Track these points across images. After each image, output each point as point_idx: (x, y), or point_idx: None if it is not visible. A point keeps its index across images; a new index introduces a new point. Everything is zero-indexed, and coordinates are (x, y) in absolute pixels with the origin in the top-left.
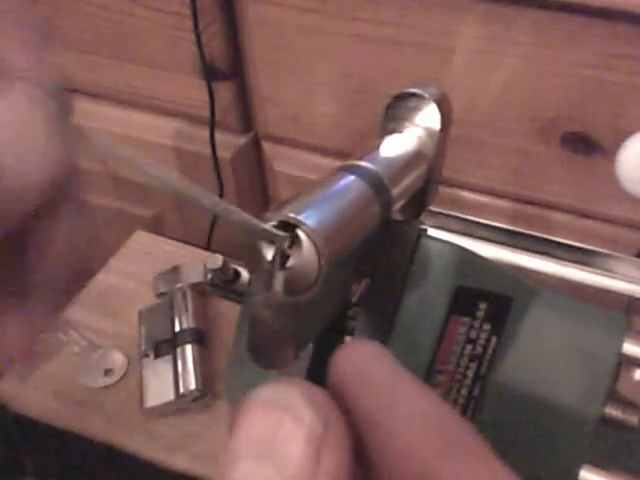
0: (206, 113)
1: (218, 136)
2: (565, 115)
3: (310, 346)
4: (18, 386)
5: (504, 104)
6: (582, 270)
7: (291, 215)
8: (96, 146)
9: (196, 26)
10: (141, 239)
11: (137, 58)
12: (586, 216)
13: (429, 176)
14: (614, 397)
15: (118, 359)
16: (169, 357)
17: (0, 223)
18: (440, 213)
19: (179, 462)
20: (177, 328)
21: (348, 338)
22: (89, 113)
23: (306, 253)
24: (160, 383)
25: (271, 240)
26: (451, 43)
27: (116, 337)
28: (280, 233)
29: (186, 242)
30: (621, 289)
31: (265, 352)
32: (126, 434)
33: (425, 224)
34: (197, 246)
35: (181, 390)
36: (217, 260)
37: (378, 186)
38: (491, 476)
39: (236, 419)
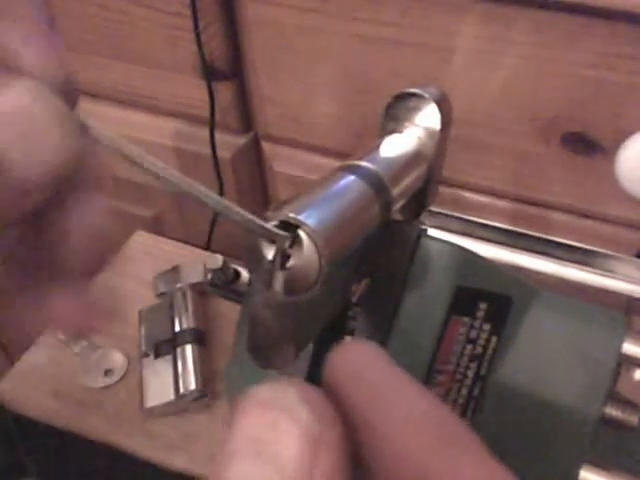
0: (206, 113)
1: (218, 136)
2: (565, 115)
3: (310, 346)
4: (18, 386)
5: (504, 104)
6: (582, 270)
7: (291, 215)
8: (100, 140)
9: (196, 26)
10: (141, 239)
11: (137, 58)
12: (586, 216)
13: (429, 176)
14: (614, 397)
15: (118, 359)
16: (169, 357)
17: (11, 214)
18: (440, 213)
19: (179, 462)
20: (177, 328)
21: (348, 338)
22: (89, 113)
23: (306, 253)
24: (160, 383)
25: (272, 240)
26: (451, 43)
27: (116, 337)
28: (281, 232)
29: (186, 242)
30: (621, 289)
31: (265, 352)
32: (126, 434)
33: (425, 224)
34: (197, 246)
35: (181, 390)
36: (217, 260)
37: (378, 186)
38: (490, 478)
39: (232, 418)
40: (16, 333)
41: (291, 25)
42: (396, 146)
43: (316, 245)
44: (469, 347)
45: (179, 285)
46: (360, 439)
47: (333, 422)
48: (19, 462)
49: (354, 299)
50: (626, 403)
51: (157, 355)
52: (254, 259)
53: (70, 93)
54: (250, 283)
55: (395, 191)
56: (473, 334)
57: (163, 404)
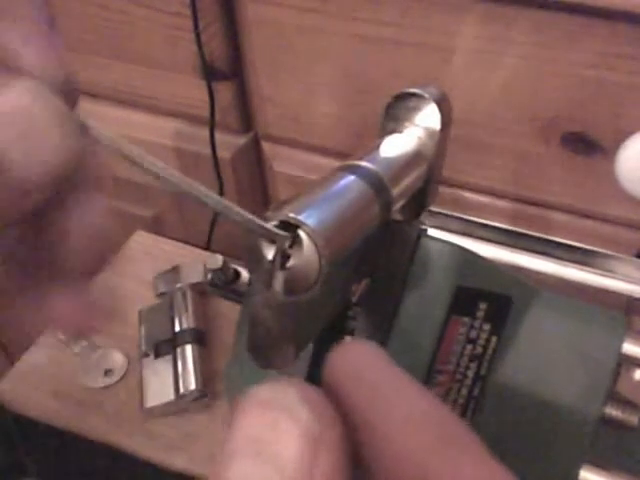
0: (206, 113)
1: (218, 136)
2: (565, 115)
3: (310, 346)
4: (18, 386)
5: (504, 104)
6: (582, 270)
7: (291, 215)
8: (100, 140)
9: (196, 26)
10: (141, 239)
11: (137, 58)
12: (586, 216)
13: (429, 176)
14: (614, 397)
15: (118, 359)
16: (169, 357)
17: (11, 214)
18: (440, 213)
19: (179, 462)
20: (177, 328)
21: (348, 338)
22: (89, 113)
23: (306, 253)
24: (160, 383)
25: (271, 240)
26: (451, 43)
27: (116, 337)
28: (280, 232)
29: (186, 242)
30: (621, 289)
31: (265, 352)
32: (126, 434)
33: (425, 224)
34: (197, 246)
35: (181, 390)
36: (217, 260)
37: (378, 186)
38: (490, 478)
39: (232, 418)
40: (16, 333)
41: (291, 25)
42: (396, 146)
43: (316, 245)
44: (469, 347)
45: (179, 285)
46: (360, 439)
47: (333, 422)
48: (19, 462)
49: (354, 299)
50: (626, 403)
51: (157, 355)
52: (254, 259)
53: (70, 93)
54: (250, 283)
55: (395, 191)
56: (473, 334)
57: (163, 404)
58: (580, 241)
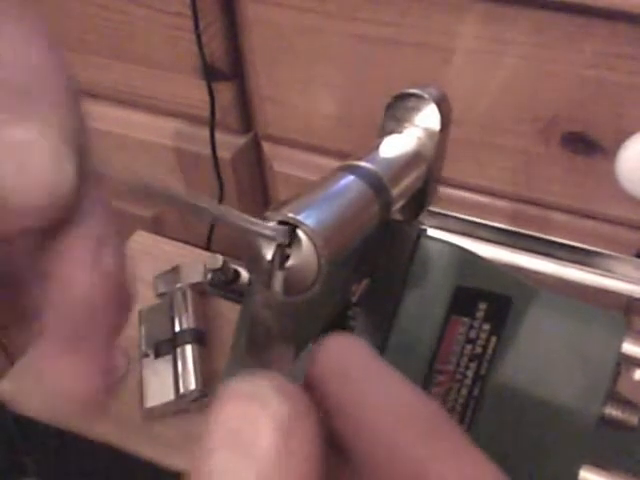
0: (206, 113)
1: (218, 136)
2: (565, 115)
3: (310, 346)
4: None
5: (504, 104)
6: (582, 270)
7: (290, 215)
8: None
9: (196, 26)
10: (141, 239)
11: (137, 58)
12: (586, 216)
13: (428, 176)
14: (614, 397)
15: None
16: (169, 357)
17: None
18: (440, 213)
19: (179, 462)
20: (177, 328)
21: None
22: (89, 113)
23: (305, 253)
24: (160, 383)
25: (269, 237)
26: (451, 43)
27: None
28: (277, 227)
29: (186, 242)
30: (621, 289)
31: (265, 352)
32: (126, 434)
33: (425, 224)
34: (197, 246)
35: (181, 390)
36: (217, 260)
37: (378, 186)
38: (474, 470)
39: (211, 412)
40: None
41: (291, 25)
42: (396, 146)
43: (315, 245)
44: (469, 347)
45: (179, 285)
46: (348, 434)
47: (307, 413)
48: (19, 462)
49: (354, 299)
50: (626, 403)
51: (157, 355)
52: (253, 259)
53: (78, 119)
54: (250, 283)
55: (395, 191)
56: (473, 334)
57: (163, 404)
58: (580, 241)
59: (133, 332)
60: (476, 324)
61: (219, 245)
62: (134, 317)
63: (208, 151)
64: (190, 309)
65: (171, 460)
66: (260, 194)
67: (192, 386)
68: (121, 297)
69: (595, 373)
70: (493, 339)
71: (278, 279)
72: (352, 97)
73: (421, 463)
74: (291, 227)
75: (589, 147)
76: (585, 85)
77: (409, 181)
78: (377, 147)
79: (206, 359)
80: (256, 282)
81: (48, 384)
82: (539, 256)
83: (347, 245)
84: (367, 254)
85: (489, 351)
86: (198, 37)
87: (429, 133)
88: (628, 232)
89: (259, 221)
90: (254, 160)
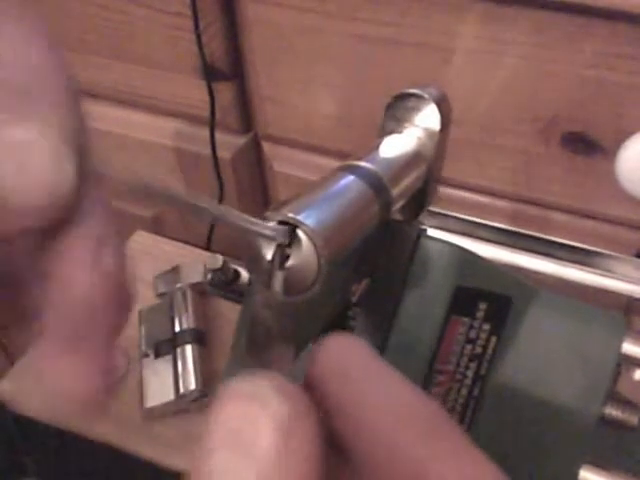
0: (206, 113)
1: (218, 136)
2: (565, 115)
3: (310, 346)
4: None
5: (504, 104)
6: (582, 270)
7: (290, 215)
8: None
9: (196, 26)
10: (141, 239)
11: (137, 58)
12: (586, 216)
13: (428, 176)
14: (614, 397)
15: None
16: (169, 357)
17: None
18: (440, 213)
19: (179, 462)
20: (177, 328)
21: None
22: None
23: (305, 253)
24: (160, 383)
25: (269, 237)
26: (451, 43)
27: None
28: (277, 227)
29: (186, 242)
30: (621, 289)
31: (265, 352)
32: (126, 434)
33: (425, 224)
34: (197, 246)
35: (181, 390)
36: (217, 260)
37: (378, 186)
38: (474, 470)
39: (211, 412)
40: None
41: (291, 25)
42: (396, 146)
43: (315, 245)
44: (469, 347)
45: (179, 285)
46: (348, 435)
47: (307, 412)
48: (19, 462)
49: (354, 299)
50: (626, 403)
51: (157, 355)
52: (253, 259)
53: (81, 137)
54: (250, 283)
55: (395, 191)
56: (473, 334)
57: (163, 404)
58: (580, 241)
59: (133, 332)
60: (476, 324)
61: (219, 245)
62: (134, 317)
63: (208, 151)
64: (190, 309)
65: (171, 460)
66: (260, 194)
67: (192, 386)
68: (121, 297)
69: (595, 373)
70: (493, 339)
71: (278, 279)
72: (352, 97)
73: (421, 463)
74: (291, 227)
75: (589, 147)
76: (585, 85)
77: (409, 181)
78: (377, 147)
79: (206, 359)
80: (256, 282)
81: (48, 384)
82: (539, 256)
83: (347, 245)
84: (367, 254)
85: (489, 351)
86: (198, 37)
87: (429, 133)
88: (628, 232)
89: (259, 221)
90: (254, 160)
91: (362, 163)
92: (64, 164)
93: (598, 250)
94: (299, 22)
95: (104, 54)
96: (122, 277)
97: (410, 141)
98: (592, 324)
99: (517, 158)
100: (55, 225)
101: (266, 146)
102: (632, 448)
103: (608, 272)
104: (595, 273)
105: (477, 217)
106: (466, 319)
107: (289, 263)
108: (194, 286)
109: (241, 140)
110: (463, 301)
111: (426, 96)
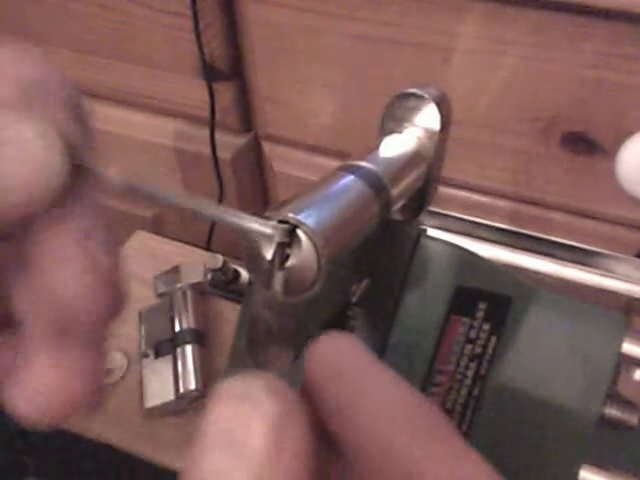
0: (206, 113)
1: (218, 136)
2: (565, 115)
3: None
4: None
5: (504, 104)
6: (582, 270)
7: (290, 215)
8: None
9: (196, 26)
10: (141, 239)
11: (137, 58)
12: (586, 216)
13: (428, 176)
14: (614, 397)
15: (118, 359)
16: (169, 357)
17: None
18: (440, 213)
19: (179, 462)
20: (177, 328)
21: None
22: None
23: (305, 253)
24: (160, 383)
25: (269, 236)
26: (451, 43)
27: (116, 337)
28: (278, 226)
29: (186, 242)
30: (621, 289)
31: (265, 352)
32: (126, 434)
33: (425, 224)
34: (197, 246)
35: (181, 390)
36: (217, 260)
37: (378, 186)
38: (470, 471)
39: (204, 412)
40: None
41: (291, 25)
42: (396, 146)
43: (315, 245)
44: (469, 347)
45: (179, 285)
46: (343, 436)
47: (299, 411)
48: (19, 462)
49: (354, 299)
50: (626, 403)
51: (157, 355)
52: (253, 259)
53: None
54: (250, 283)
55: (395, 191)
56: (473, 334)
57: (163, 404)
58: (580, 241)
59: (133, 332)
60: (476, 324)
61: (219, 245)
62: (134, 317)
63: (208, 151)
64: (190, 309)
65: (171, 460)
66: (260, 194)
67: (192, 386)
68: (111, 293)
69: (595, 373)
70: (493, 339)
71: (278, 279)
72: (352, 97)
73: (416, 464)
74: (291, 227)
75: (589, 147)
76: (585, 85)
77: (409, 181)
78: (377, 147)
79: (206, 359)
80: (256, 282)
81: (35, 384)
82: (539, 256)
83: (347, 245)
84: (367, 254)
85: (489, 351)
86: (198, 37)
87: (429, 133)
88: (628, 232)
89: (259, 219)
90: (254, 160)
91: (362, 163)
92: (56, 156)
93: (598, 250)
94: (299, 22)
95: (104, 54)
96: (111, 272)
97: (410, 141)
98: (592, 324)
99: (517, 158)
100: (40, 220)
101: (266, 146)
102: (632, 448)
103: (608, 272)
104: (595, 273)
105: (477, 217)
106: (466, 319)
107: (289, 263)
108: (194, 286)
109: (241, 140)
110: (463, 301)
111: (426, 96)
